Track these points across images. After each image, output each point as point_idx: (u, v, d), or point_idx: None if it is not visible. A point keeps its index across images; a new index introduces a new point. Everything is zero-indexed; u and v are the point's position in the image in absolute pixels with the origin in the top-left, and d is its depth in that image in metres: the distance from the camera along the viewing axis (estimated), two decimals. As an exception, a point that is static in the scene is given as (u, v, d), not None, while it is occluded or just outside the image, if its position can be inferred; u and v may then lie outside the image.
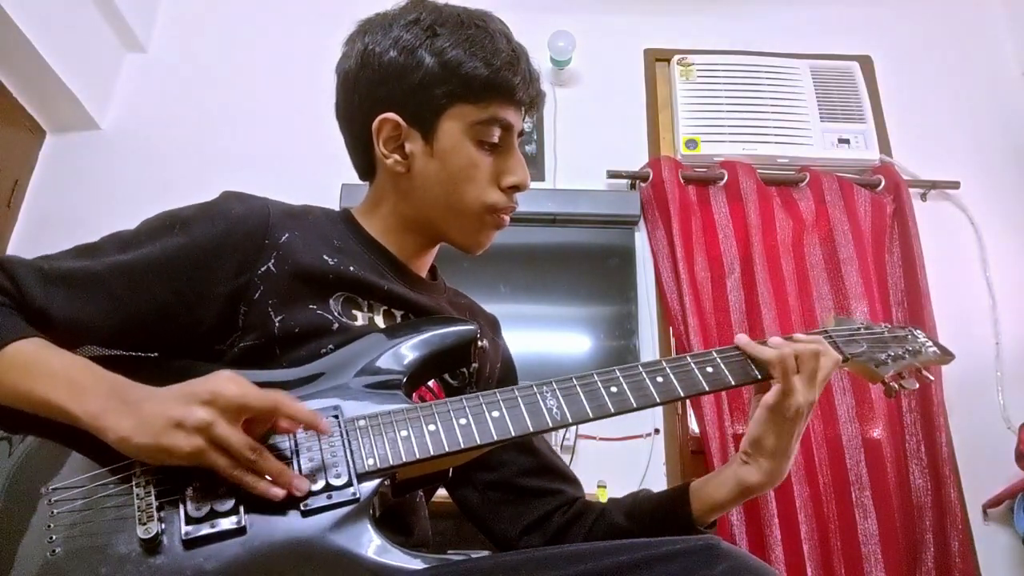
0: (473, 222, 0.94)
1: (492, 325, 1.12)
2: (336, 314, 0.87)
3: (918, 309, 2.43)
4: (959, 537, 2.17)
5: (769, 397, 0.87)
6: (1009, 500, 2.26)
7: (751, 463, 0.89)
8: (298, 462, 0.73)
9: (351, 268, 0.90)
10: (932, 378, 1.05)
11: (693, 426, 2.37)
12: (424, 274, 1.02)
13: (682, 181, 2.60)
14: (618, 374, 0.85)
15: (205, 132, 2.72)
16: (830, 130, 2.71)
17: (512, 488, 1.02)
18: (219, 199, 0.87)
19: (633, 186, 2.67)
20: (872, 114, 2.75)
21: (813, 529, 2.17)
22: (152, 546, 0.66)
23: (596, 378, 0.84)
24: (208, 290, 0.82)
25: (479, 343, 0.94)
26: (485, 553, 0.85)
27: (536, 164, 2.70)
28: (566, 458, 2.25)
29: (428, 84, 0.89)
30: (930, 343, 1.05)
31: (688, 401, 2.37)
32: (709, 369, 0.88)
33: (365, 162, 0.98)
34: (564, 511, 1.01)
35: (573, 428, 2.28)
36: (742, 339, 0.91)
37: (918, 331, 1.06)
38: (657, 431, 2.36)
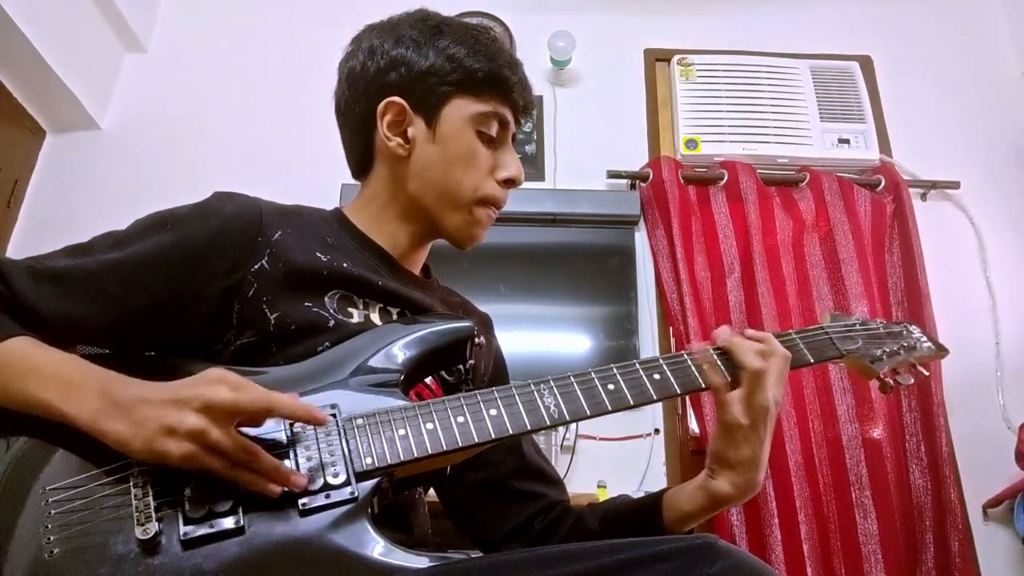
0: (466, 211, 0.96)
1: (485, 324, 1.12)
2: (332, 311, 0.86)
3: (918, 309, 2.42)
4: (959, 537, 2.17)
5: (729, 404, 0.85)
6: (1009, 500, 2.26)
7: (717, 478, 0.87)
8: (295, 459, 0.73)
9: (344, 265, 0.90)
10: (927, 373, 1.05)
11: (693, 426, 2.37)
12: (417, 272, 1.03)
13: (682, 181, 2.60)
14: (615, 371, 0.85)
15: (205, 132, 2.71)
16: (830, 130, 2.70)
17: (498, 490, 1.01)
18: (211, 198, 0.88)
19: (633, 186, 2.67)
20: (872, 114, 2.75)
21: (813, 529, 2.17)
22: (151, 546, 0.66)
23: (593, 376, 0.84)
24: (201, 287, 0.82)
25: (476, 340, 0.94)
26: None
27: (536, 164, 2.70)
28: (566, 458, 2.26)
29: (433, 73, 0.94)
30: (925, 338, 1.05)
31: (688, 401, 2.37)
32: (705, 367, 0.88)
33: (363, 153, 0.99)
34: (543, 517, 1.00)
35: (573, 428, 2.28)
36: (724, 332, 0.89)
37: (913, 326, 1.06)
38: (657, 431, 2.36)
